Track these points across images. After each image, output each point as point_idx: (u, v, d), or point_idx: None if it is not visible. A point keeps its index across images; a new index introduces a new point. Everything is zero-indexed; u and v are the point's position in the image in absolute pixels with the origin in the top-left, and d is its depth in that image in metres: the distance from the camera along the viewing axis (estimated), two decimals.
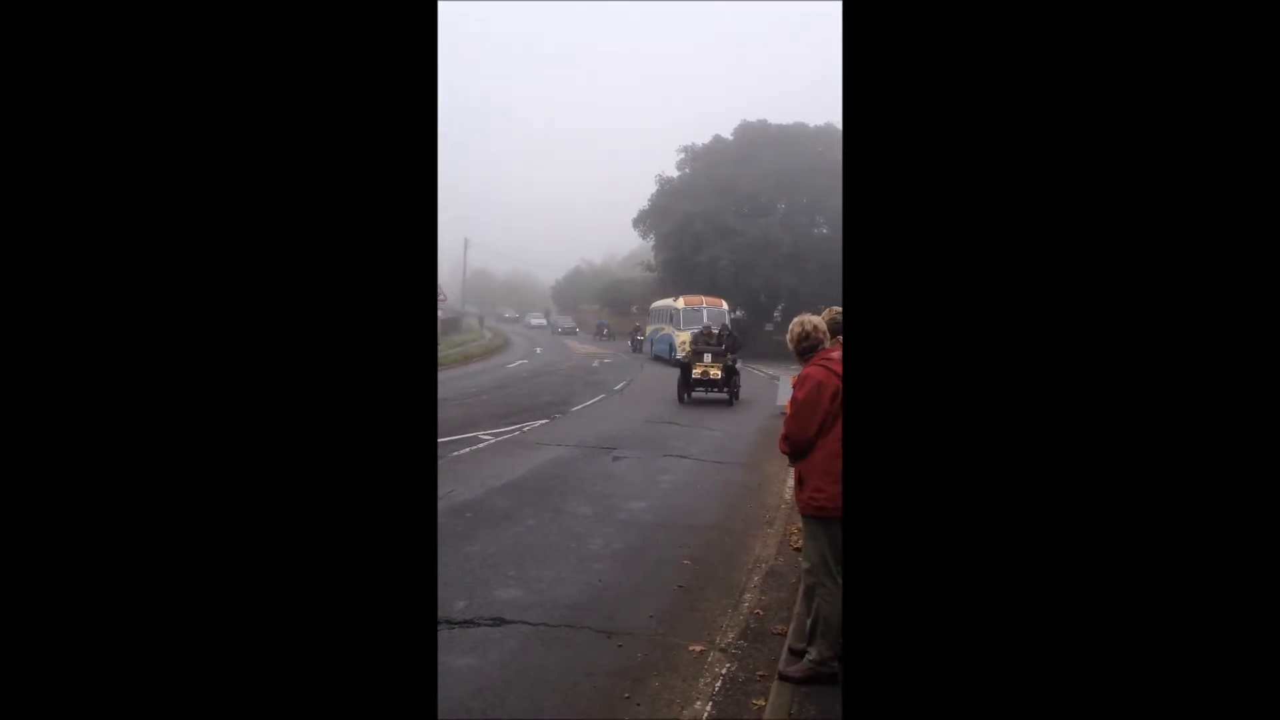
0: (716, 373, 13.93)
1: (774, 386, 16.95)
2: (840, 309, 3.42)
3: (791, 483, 7.07)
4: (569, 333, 43.69)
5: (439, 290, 28.84)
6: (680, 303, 25.42)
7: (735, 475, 7.81)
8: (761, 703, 3.09)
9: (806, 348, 3.32)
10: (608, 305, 47.68)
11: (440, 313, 29.71)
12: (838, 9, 1.62)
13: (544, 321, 48.50)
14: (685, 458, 8.53)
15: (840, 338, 3.36)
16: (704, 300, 25.18)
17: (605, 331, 39.10)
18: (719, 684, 3.27)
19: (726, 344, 15.00)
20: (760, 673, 3.37)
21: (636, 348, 30.14)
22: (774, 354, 27.50)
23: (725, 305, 25.34)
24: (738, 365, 14.86)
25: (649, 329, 28.65)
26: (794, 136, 35.96)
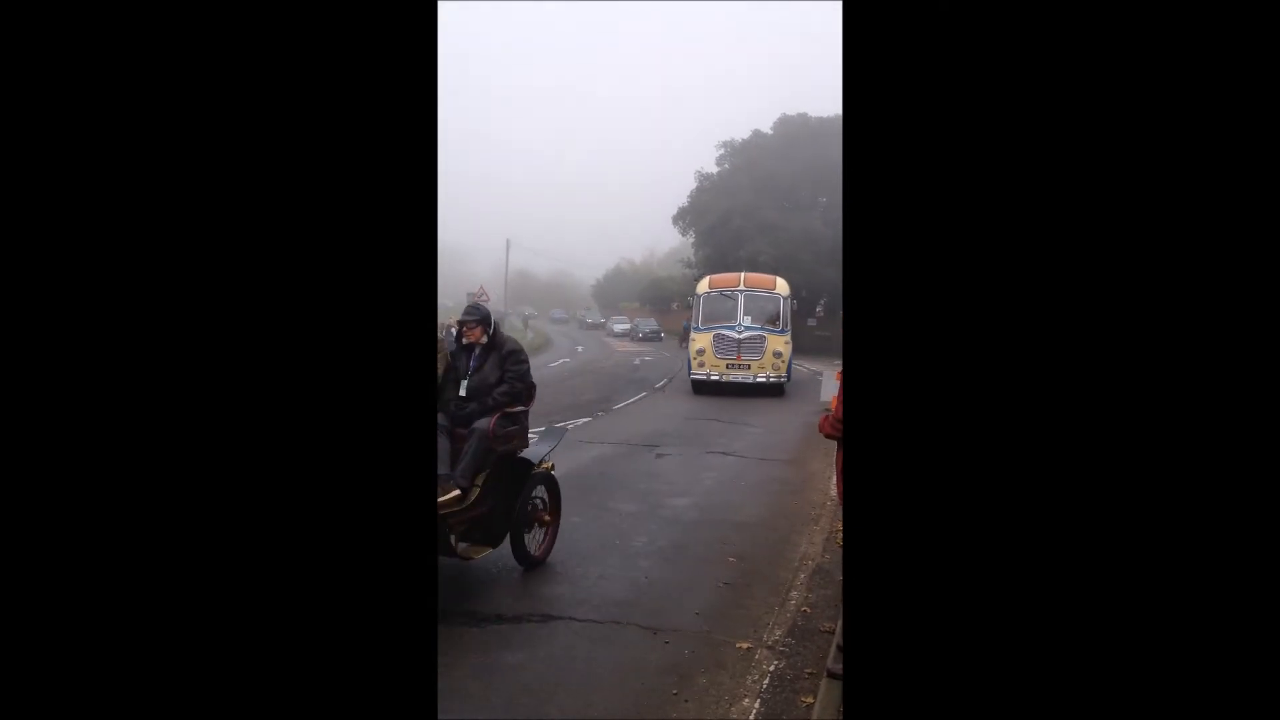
0: None
1: (817, 382, 16.78)
2: None
3: (835, 479, 7.03)
4: (652, 337, 38.86)
5: (481, 290, 29.25)
6: (704, 285, 15.72)
7: (779, 472, 7.76)
8: (810, 700, 3.07)
9: None
10: (648, 303, 47.65)
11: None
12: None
13: (627, 325, 43.81)
14: (728, 455, 8.51)
15: None
16: (741, 280, 15.12)
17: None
18: (766, 681, 3.26)
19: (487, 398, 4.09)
20: (808, 670, 3.35)
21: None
22: (817, 349, 27.23)
23: (783, 288, 15.27)
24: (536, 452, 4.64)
25: None
26: (835, 129, 35.44)
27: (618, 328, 44.97)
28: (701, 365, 14.27)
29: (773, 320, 14.62)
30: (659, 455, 8.37)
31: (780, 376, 14.19)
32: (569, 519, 5.72)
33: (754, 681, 3.27)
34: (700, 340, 14.47)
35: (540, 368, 21.70)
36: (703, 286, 15.71)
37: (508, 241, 53.39)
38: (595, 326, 52.65)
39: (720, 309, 14.73)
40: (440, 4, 1.65)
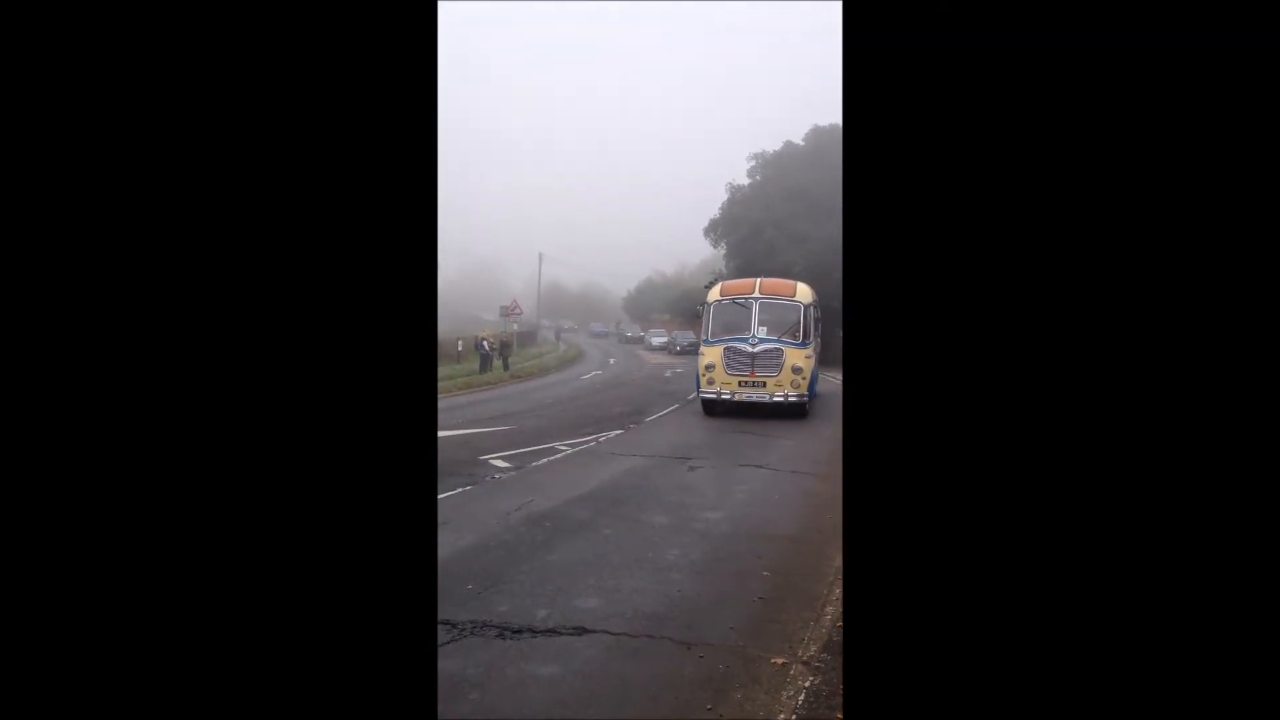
0: None
1: None
2: None
3: None
4: (691, 350, 35.19)
5: (514, 303, 29.51)
6: (715, 293, 13.65)
7: (812, 485, 7.69)
8: None
9: None
10: (679, 315, 47.64)
11: (516, 326, 30.30)
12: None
13: (665, 338, 42.22)
14: (761, 467, 8.45)
15: None
16: (756, 287, 13.17)
17: None
18: (802, 697, 3.22)
19: None
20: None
21: None
22: None
23: (804, 294, 13.32)
24: None
25: None
26: None
27: (656, 340, 43.96)
28: (711, 383, 12.55)
29: (792, 331, 12.61)
30: (691, 468, 8.35)
31: (801, 396, 12.21)
32: (601, 531, 5.73)
33: (789, 697, 3.23)
34: (709, 354, 12.68)
35: (572, 380, 21.84)
36: (713, 294, 13.62)
37: (540, 255, 53.94)
38: (634, 340, 51.34)
39: (732, 319, 12.87)
40: (441, 4, 1.66)
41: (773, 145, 38.91)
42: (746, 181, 38.50)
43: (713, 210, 39.43)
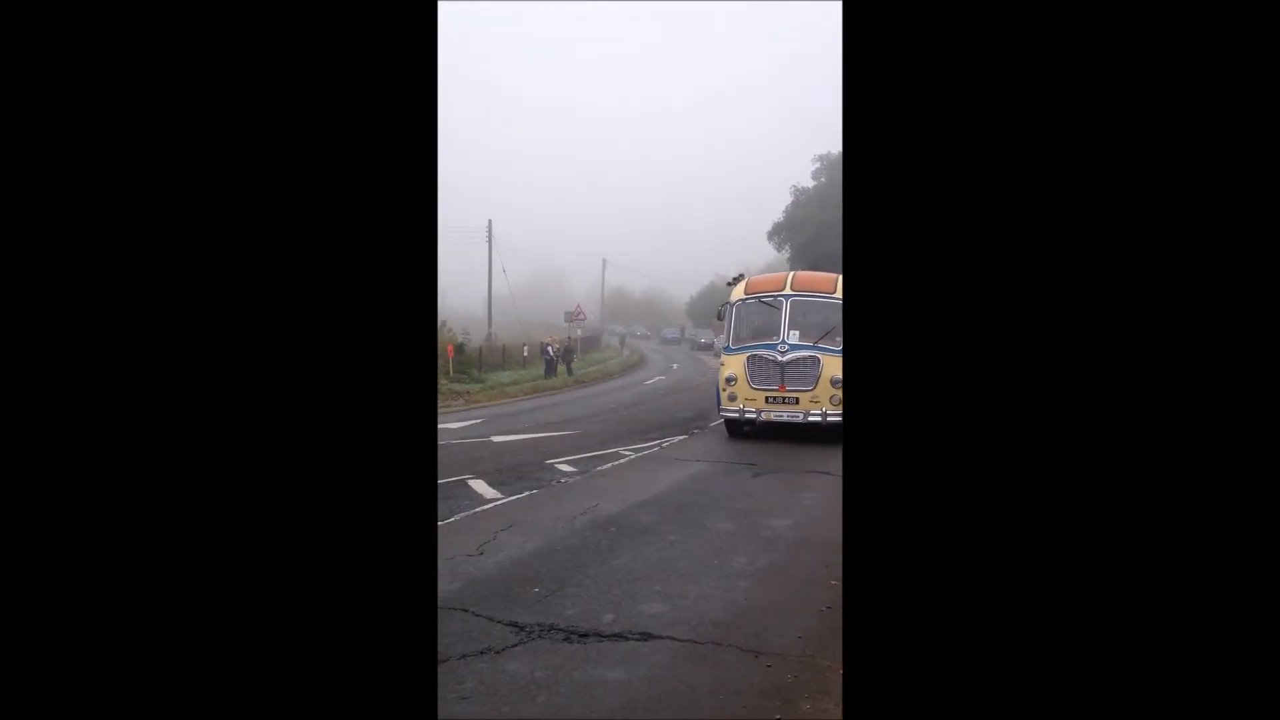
0: None
1: None
2: None
3: None
4: None
5: (579, 309, 29.80)
6: (738, 291, 11.08)
7: None
8: None
9: None
10: None
11: (580, 331, 30.60)
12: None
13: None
14: (827, 473, 8.33)
15: None
16: (788, 282, 10.65)
17: None
18: None
19: None
20: None
21: None
22: None
23: (836, 289, 10.36)
24: None
25: None
26: None
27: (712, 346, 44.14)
28: (733, 399, 10.30)
29: (832, 335, 9.89)
30: (755, 474, 8.28)
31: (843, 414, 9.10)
32: (666, 537, 5.72)
33: None
34: (731, 365, 10.45)
35: (635, 385, 21.92)
36: (736, 293, 10.99)
37: (604, 261, 54.46)
38: (704, 347, 49.27)
39: (761, 322, 10.51)
40: (441, 4, 1.67)
41: (837, 145, 38.42)
42: (811, 183, 38.12)
43: (776, 213, 39.19)
